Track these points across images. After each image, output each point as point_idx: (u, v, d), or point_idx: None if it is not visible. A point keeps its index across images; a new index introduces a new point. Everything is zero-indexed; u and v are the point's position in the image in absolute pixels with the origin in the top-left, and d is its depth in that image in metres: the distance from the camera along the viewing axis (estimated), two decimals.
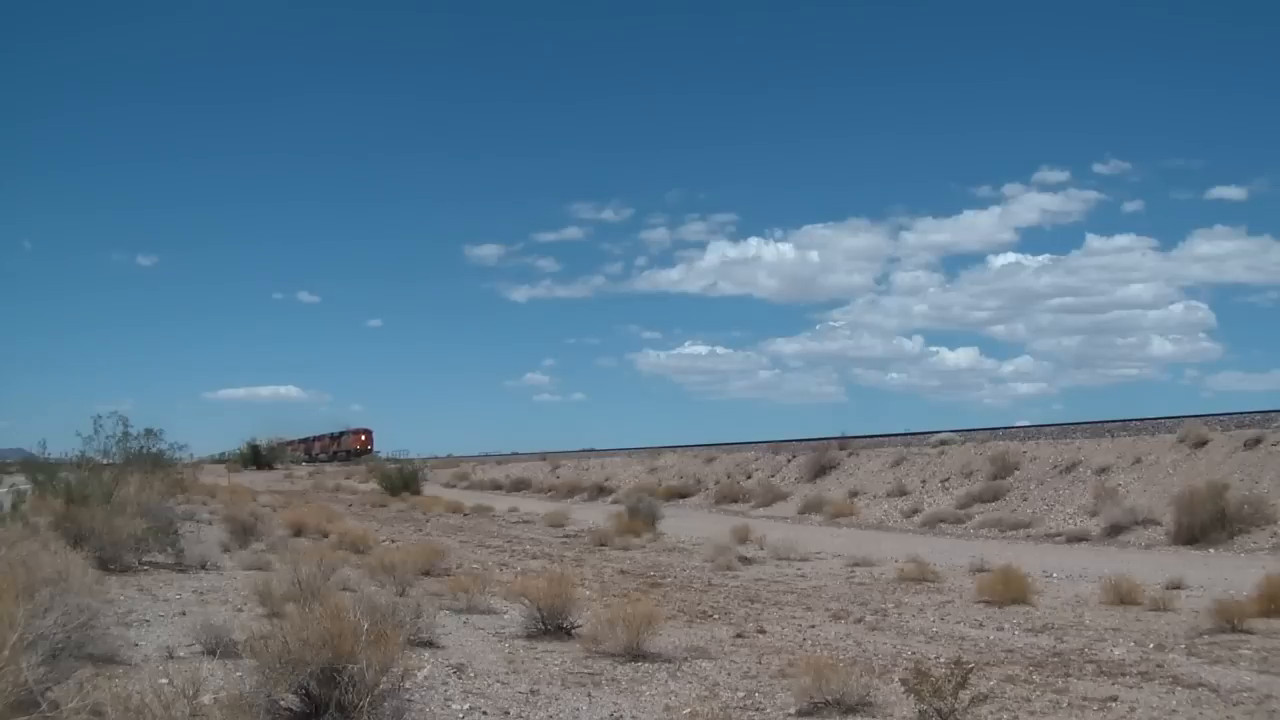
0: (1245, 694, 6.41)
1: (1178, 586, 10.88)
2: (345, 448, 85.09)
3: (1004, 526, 18.34)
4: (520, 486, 37.16)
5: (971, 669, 5.84)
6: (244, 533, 15.47)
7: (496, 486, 38.48)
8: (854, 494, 23.57)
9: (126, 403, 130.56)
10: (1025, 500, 19.56)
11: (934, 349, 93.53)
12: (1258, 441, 17.36)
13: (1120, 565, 12.34)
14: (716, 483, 28.92)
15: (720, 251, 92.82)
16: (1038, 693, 6.49)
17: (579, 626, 8.36)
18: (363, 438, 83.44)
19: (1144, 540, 15.85)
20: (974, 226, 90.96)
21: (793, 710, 6.13)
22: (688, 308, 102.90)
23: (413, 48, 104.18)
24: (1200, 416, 20.85)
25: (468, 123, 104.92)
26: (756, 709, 6.23)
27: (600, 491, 31.82)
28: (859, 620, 9.50)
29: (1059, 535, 17.11)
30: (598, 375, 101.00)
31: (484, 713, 6.00)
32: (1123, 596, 10.06)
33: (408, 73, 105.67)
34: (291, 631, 5.26)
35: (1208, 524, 15.01)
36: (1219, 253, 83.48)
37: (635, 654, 7.45)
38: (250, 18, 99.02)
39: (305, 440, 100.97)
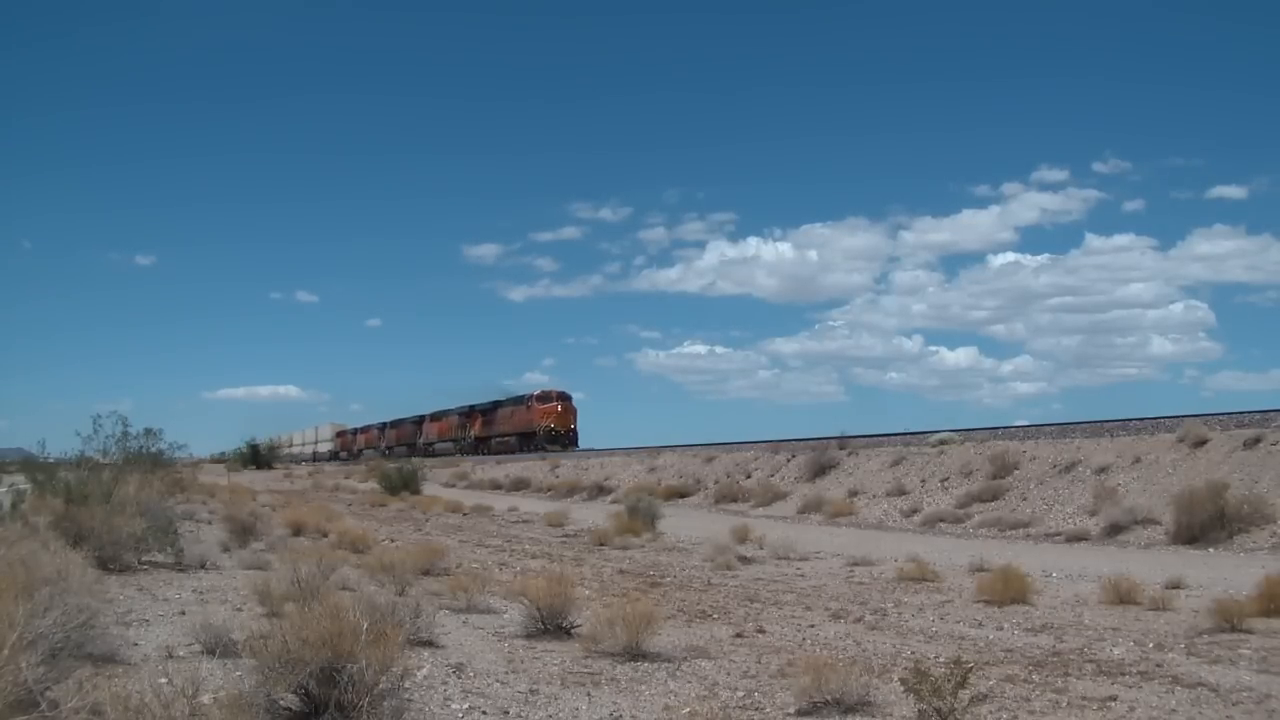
0: (1245, 694, 6.41)
1: (1177, 586, 10.88)
2: (510, 429, 53.01)
3: (1003, 526, 18.34)
4: (519, 486, 37.14)
5: (971, 668, 5.84)
6: (243, 532, 15.46)
7: (496, 486, 38.46)
8: (853, 493, 23.56)
9: (126, 402, 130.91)
10: (1025, 500, 19.56)
11: (933, 348, 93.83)
12: (1257, 441, 17.36)
13: (1120, 565, 12.34)
14: (716, 482, 28.92)
15: (719, 251, 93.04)
16: (1037, 692, 6.49)
17: (578, 626, 8.35)
18: (558, 408, 50.07)
19: (1143, 540, 15.85)
20: (973, 226, 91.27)
21: (792, 710, 6.13)
22: (687, 307, 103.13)
23: (409, 47, 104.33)
24: (1200, 416, 20.83)
25: (465, 122, 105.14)
26: (756, 708, 6.22)
27: (599, 491, 31.81)
28: (858, 620, 9.50)
29: (1058, 535, 17.11)
30: (597, 375, 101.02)
31: (483, 712, 6.00)
32: (1122, 596, 10.06)
33: (405, 73, 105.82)
34: (291, 631, 5.26)
35: (1207, 523, 15.01)
36: (1219, 252, 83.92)
37: (634, 654, 7.45)
38: (248, 18, 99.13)
39: (395, 424, 73.67)
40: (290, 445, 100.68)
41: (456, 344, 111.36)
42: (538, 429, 49.67)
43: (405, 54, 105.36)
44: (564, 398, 51.56)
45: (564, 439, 49.51)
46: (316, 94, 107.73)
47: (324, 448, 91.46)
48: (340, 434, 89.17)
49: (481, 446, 56.98)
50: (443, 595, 9.82)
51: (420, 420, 68.91)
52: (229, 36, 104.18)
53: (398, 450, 69.99)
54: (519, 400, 53.92)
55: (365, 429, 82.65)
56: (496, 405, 56.73)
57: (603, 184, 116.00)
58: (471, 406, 60.78)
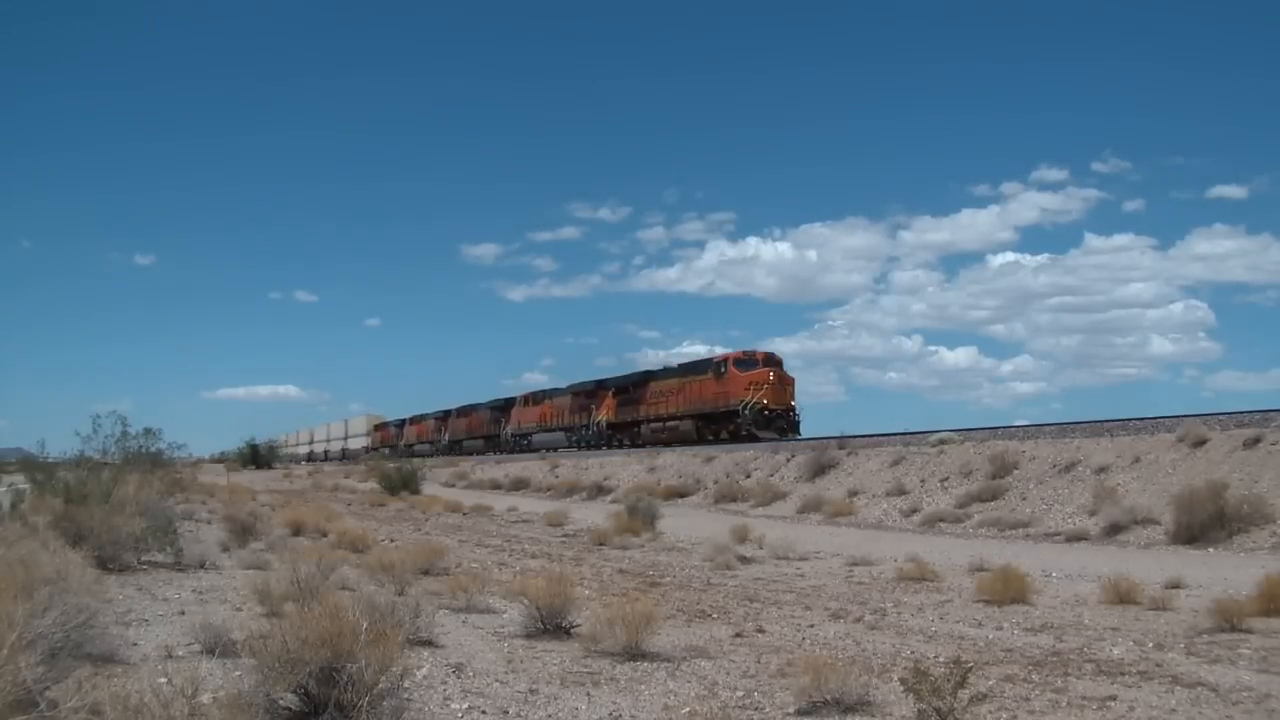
0: (1244, 693, 6.41)
1: (1177, 586, 10.88)
2: (683, 408, 38.30)
3: (1003, 526, 18.33)
4: (519, 485, 37.14)
5: (970, 668, 5.84)
6: (243, 532, 15.46)
7: (495, 486, 38.45)
8: (853, 493, 23.55)
9: (125, 402, 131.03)
10: (1024, 499, 19.55)
11: (933, 348, 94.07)
12: (1257, 441, 17.35)
13: (1119, 565, 12.34)
14: (715, 482, 28.91)
15: (718, 250, 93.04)
16: (1037, 692, 6.49)
17: (578, 626, 8.35)
18: (769, 376, 35.23)
19: (1143, 539, 15.84)
20: (972, 225, 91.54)
21: (792, 709, 6.12)
22: (686, 307, 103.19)
23: (408, 49, 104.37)
24: (1200, 416, 20.84)
25: (464, 122, 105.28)
26: (755, 708, 6.22)
27: (599, 491, 31.80)
28: (858, 619, 9.50)
29: (1058, 534, 17.10)
30: (596, 374, 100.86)
31: (483, 712, 6.00)
32: (1122, 596, 10.06)
33: (404, 73, 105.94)
34: (290, 631, 5.26)
35: (1207, 523, 15.00)
36: (1218, 252, 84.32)
37: (634, 653, 7.45)
38: (249, 20, 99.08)
39: (465, 411, 60.67)
40: (311, 442, 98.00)
41: (456, 344, 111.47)
42: (741, 407, 34.79)
43: (404, 54, 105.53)
44: (774, 362, 36.41)
45: (783, 421, 34.79)
46: (315, 94, 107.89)
47: (356, 444, 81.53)
48: (379, 427, 78.11)
49: (620, 436, 41.85)
50: (442, 595, 9.81)
51: (505, 406, 54.77)
52: (228, 38, 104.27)
53: (468, 445, 58.06)
54: (699, 367, 38.65)
55: (418, 419, 70.26)
56: (648, 377, 41.59)
57: (601, 184, 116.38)
58: (599, 382, 45.70)
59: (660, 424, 39.89)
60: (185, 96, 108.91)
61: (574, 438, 46.20)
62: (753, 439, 33.34)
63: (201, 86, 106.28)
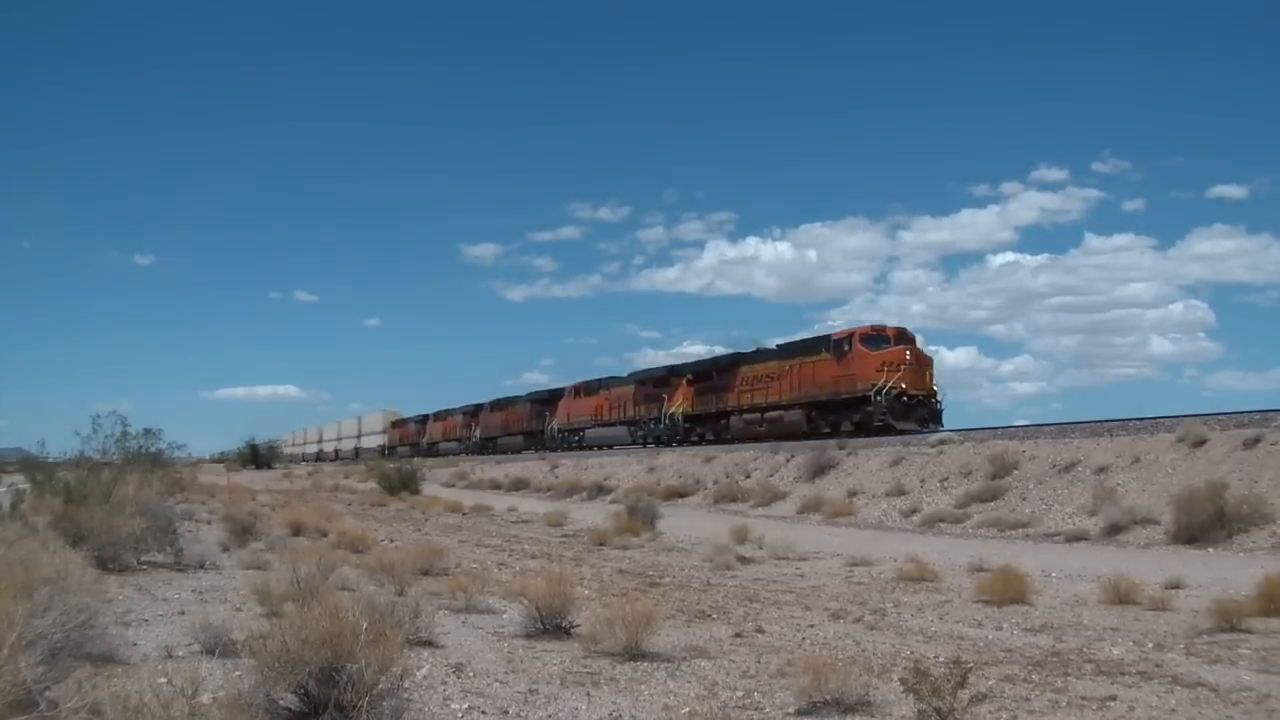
0: (1244, 693, 6.41)
1: (1177, 586, 10.88)
2: (789, 395, 32.29)
3: (1003, 526, 18.34)
4: (519, 486, 37.14)
5: (970, 668, 5.85)
6: (243, 532, 15.46)
7: (495, 486, 38.46)
8: (853, 493, 23.56)
9: (125, 402, 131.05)
10: (1024, 500, 19.56)
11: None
12: (1257, 441, 17.36)
13: (1119, 565, 12.34)
14: (715, 482, 28.91)
15: (718, 251, 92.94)
16: (1036, 692, 6.49)
17: (578, 626, 8.36)
18: (906, 355, 29.39)
19: (1143, 540, 15.85)
20: (972, 225, 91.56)
21: (792, 710, 6.12)
22: (686, 307, 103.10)
23: (409, 49, 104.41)
24: (1200, 416, 20.85)
25: (464, 122, 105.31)
26: (755, 708, 6.22)
27: (599, 491, 31.80)
28: (858, 620, 9.50)
29: (1058, 535, 17.10)
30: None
31: (483, 712, 6.00)
32: (1121, 596, 10.06)
33: (403, 73, 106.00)
34: (290, 631, 5.26)
35: (1206, 523, 15.01)
36: (1218, 252, 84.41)
37: (634, 653, 7.44)
38: (249, 19, 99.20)
39: (501, 405, 54.92)
40: (320, 441, 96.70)
41: (456, 344, 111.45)
42: (873, 392, 28.77)
43: (403, 55, 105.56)
44: (907, 338, 30.38)
45: (924, 409, 29.23)
46: (315, 96, 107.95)
47: (371, 442, 77.08)
48: (397, 424, 73.40)
49: (702, 430, 36.58)
50: (442, 595, 9.82)
51: (549, 399, 49.31)
52: (229, 36, 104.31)
53: (504, 442, 52.84)
54: (811, 346, 32.19)
55: (442, 415, 64.49)
56: (737, 360, 35.49)
57: (601, 184, 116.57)
58: (670, 368, 39.94)
59: (757, 415, 33.71)
60: (184, 97, 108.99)
61: (639, 433, 40.45)
62: (888, 431, 27.95)
63: (201, 85, 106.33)
